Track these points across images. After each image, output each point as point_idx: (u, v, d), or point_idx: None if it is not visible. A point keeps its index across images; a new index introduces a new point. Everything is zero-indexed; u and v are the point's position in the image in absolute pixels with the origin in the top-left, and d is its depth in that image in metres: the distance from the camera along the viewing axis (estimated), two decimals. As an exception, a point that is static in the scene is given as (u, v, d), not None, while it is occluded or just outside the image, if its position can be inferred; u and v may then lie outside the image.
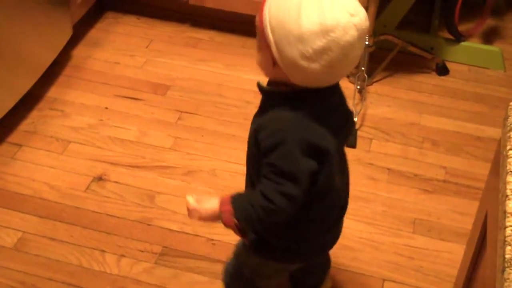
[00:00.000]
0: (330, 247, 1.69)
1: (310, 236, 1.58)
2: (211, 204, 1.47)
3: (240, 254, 1.76)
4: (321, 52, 1.25)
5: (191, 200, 1.49)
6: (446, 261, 2.14)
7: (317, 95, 1.37)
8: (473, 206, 2.26)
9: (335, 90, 1.44)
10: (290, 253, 1.58)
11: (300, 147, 1.35)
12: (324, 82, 1.35)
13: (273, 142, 1.37)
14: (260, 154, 1.41)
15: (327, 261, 1.93)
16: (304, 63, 1.28)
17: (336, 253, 2.15)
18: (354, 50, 1.28)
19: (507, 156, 1.12)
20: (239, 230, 1.48)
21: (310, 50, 1.25)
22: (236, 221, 1.44)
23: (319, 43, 1.24)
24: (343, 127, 1.48)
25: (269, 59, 1.35)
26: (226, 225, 1.47)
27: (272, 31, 1.29)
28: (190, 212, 1.49)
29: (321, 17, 1.24)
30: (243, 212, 1.44)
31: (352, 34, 1.25)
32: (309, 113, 1.36)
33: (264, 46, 1.34)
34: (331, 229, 1.63)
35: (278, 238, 1.55)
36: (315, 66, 1.28)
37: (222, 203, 1.46)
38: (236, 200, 1.46)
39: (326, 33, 1.24)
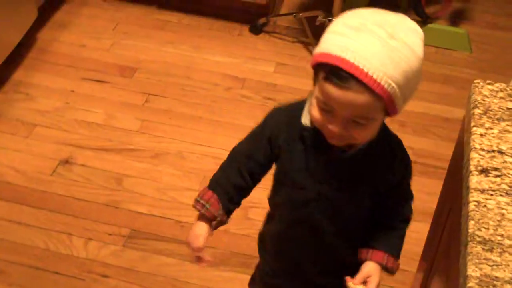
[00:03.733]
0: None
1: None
2: (376, 273, 1.36)
3: None
4: None
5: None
6: (414, 240, 2.14)
7: None
8: (440, 186, 2.28)
9: None
10: None
11: None
12: None
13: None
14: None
15: None
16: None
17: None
18: None
19: (470, 133, 1.13)
20: None
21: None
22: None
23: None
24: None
25: (381, 120, 1.26)
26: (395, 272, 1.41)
27: (401, 89, 1.15)
28: None
29: (421, 36, 1.18)
30: (400, 247, 1.40)
31: None
32: None
33: (379, 115, 1.21)
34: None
35: None
36: None
37: (381, 260, 1.36)
38: (390, 247, 1.38)
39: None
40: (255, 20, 3.00)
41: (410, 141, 2.52)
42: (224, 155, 2.50)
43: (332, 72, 1.10)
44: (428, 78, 2.84)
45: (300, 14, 2.90)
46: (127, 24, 3.00)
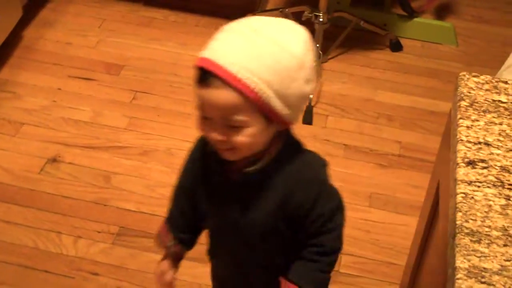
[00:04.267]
0: None
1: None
2: None
3: None
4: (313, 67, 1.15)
5: None
6: (402, 234, 2.17)
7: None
8: (428, 179, 2.28)
9: None
10: None
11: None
12: None
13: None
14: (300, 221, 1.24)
15: None
16: (308, 88, 1.15)
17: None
18: None
19: (457, 125, 1.13)
20: None
21: (309, 70, 1.13)
22: None
23: (311, 59, 1.13)
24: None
25: (262, 126, 1.13)
26: None
27: (270, 86, 1.09)
28: None
29: (299, 36, 1.12)
30: (320, 280, 1.29)
31: None
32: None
33: (253, 117, 1.12)
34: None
35: None
36: (312, 86, 1.16)
37: None
38: (304, 279, 1.27)
39: (309, 47, 1.13)
40: (242, 16, 2.98)
41: (398, 135, 2.54)
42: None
43: (198, 73, 1.10)
44: (415, 72, 2.85)
45: (287, 10, 2.90)
46: (113, 22, 2.99)
